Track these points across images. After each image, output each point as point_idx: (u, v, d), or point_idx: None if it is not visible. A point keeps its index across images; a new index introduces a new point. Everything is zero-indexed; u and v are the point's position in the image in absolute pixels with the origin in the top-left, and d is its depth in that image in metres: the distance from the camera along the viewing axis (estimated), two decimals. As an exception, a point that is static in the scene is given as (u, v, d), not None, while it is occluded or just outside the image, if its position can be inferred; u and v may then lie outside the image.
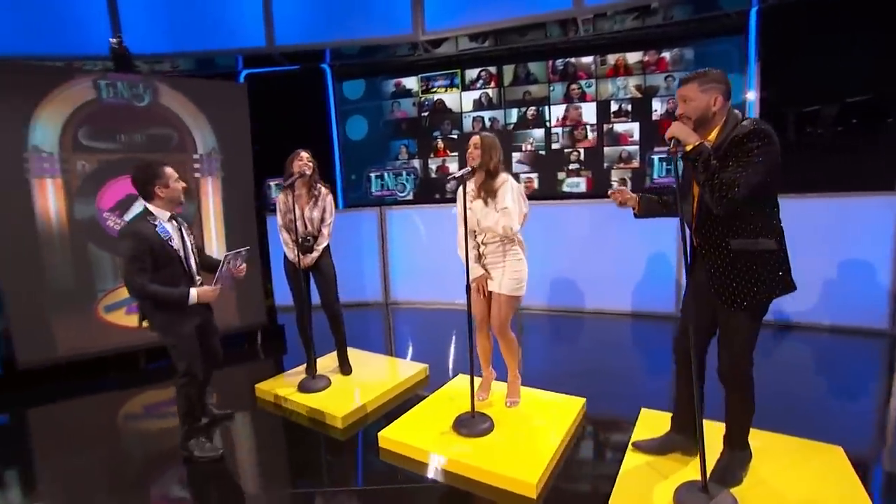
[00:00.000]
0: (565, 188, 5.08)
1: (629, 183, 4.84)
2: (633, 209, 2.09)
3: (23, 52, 4.37)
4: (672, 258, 4.43)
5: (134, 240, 2.23)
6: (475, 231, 2.61)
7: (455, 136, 5.34)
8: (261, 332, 4.23)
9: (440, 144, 5.43)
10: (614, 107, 4.81)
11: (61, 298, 3.43)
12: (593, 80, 4.84)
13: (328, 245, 3.23)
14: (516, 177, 5.16)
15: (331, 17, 4.64)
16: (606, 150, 4.88)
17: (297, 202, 3.08)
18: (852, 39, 3.88)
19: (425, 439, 2.43)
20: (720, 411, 2.01)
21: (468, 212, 2.48)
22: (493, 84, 5.17)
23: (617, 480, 2.04)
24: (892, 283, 3.77)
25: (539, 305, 4.94)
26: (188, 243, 2.44)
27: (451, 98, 5.33)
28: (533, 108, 5.06)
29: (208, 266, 2.55)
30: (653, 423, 2.43)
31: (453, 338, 4.27)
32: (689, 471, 2.04)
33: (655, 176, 4.74)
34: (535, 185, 5.16)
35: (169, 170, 2.37)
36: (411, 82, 5.41)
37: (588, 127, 4.91)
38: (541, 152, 5.11)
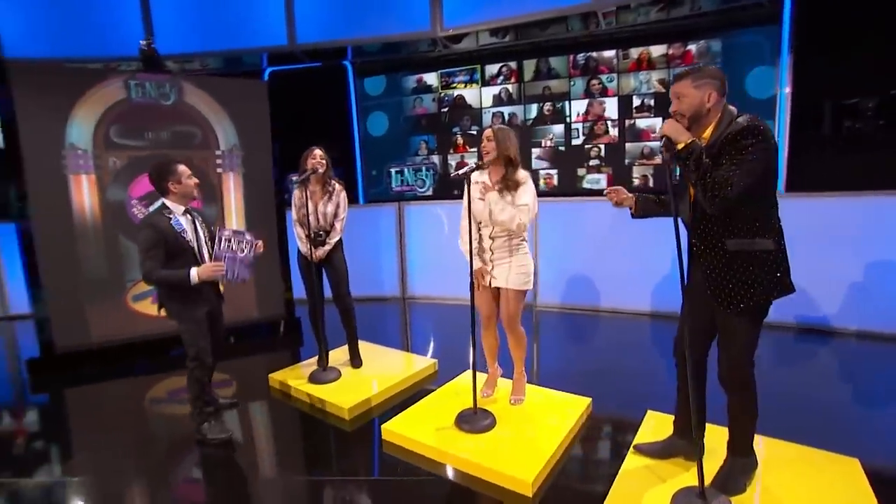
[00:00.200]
0: (585, 185, 4.99)
1: (651, 180, 4.72)
2: (630, 209, 2.04)
3: (65, 55, 4.65)
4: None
5: (149, 231, 2.38)
6: (480, 223, 2.59)
7: (474, 132, 5.33)
8: (283, 323, 4.35)
9: (459, 140, 5.43)
10: (636, 102, 4.69)
11: (94, 288, 3.64)
12: (615, 75, 4.73)
13: (341, 240, 3.30)
14: (535, 173, 5.13)
15: (350, 15, 4.70)
16: (628, 146, 4.77)
17: (310, 198, 3.16)
18: (895, 27, 3.65)
19: (427, 433, 2.46)
20: (724, 416, 1.96)
21: (479, 203, 2.49)
22: (513, 79, 5.13)
23: (614, 483, 2.02)
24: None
25: (554, 303, 4.90)
26: (201, 236, 2.57)
27: (471, 94, 5.32)
28: (552, 103, 4.98)
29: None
30: (658, 425, 2.39)
31: (468, 334, 4.28)
32: (690, 476, 2.00)
33: (678, 173, 4.59)
34: (555, 181, 5.10)
35: (182, 167, 2.50)
36: (431, 78, 5.43)
37: (609, 122, 4.81)
38: (560, 148, 5.04)
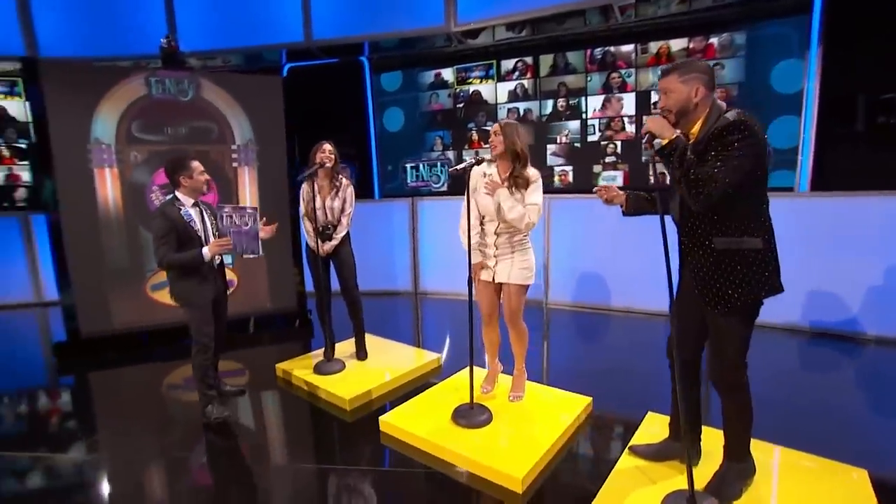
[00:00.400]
0: (601, 181, 4.90)
1: (668, 178, 4.60)
2: (621, 207, 2.01)
3: (95, 54, 4.86)
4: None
5: (162, 219, 2.54)
6: (484, 217, 2.59)
7: (489, 128, 5.29)
8: (299, 315, 4.45)
9: (474, 136, 5.42)
10: (655, 97, 4.57)
11: (116, 277, 3.81)
12: (633, 70, 4.62)
13: (348, 234, 3.34)
14: (550, 170, 5.08)
15: (366, 11, 4.74)
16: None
17: (318, 192, 3.21)
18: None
19: (423, 427, 2.48)
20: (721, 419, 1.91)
21: (487, 198, 2.49)
22: (528, 75, 5.08)
23: (605, 483, 2.00)
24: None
25: (565, 301, 4.85)
26: (209, 227, 2.71)
27: (487, 89, 5.29)
28: (569, 99, 4.91)
29: None
30: (657, 427, 2.35)
31: (475, 329, 4.29)
32: (683, 479, 1.93)
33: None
34: (570, 178, 5.03)
35: (195, 163, 2.63)
36: (447, 74, 5.43)
37: (626, 119, 4.71)
38: (576, 145, 4.96)
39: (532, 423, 2.49)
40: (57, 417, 3.01)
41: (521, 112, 5.15)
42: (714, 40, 4.34)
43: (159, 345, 3.91)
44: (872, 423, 2.59)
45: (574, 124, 4.94)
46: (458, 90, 5.41)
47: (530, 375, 2.91)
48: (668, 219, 2.16)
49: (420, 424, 2.51)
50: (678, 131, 1.62)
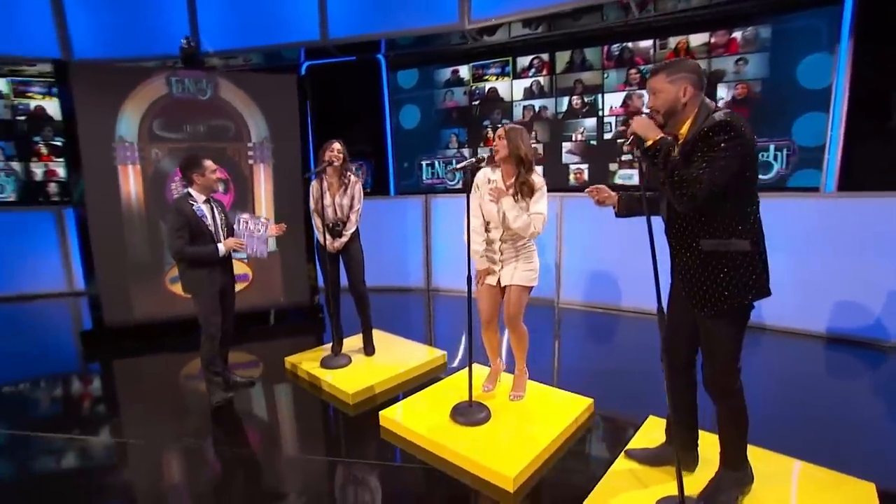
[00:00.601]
0: (617, 180, 4.82)
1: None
2: (613, 208, 1.98)
3: (124, 55, 5.06)
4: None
5: (176, 214, 2.69)
6: (489, 223, 2.58)
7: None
8: (312, 310, 4.54)
9: (490, 133, 5.39)
10: (673, 93, 4.45)
11: (138, 270, 3.97)
12: (651, 66, 4.51)
13: (357, 230, 3.39)
14: (565, 168, 5.02)
15: (380, 9, 4.78)
16: (662, 140, 4.55)
17: (328, 190, 3.27)
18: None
19: (422, 423, 2.51)
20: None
21: (491, 205, 2.49)
22: (544, 72, 5.02)
23: (597, 486, 1.98)
24: None
25: (577, 301, 4.80)
26: (219, 222, 2.84)
27: (503, 86, 5.26)
28: (586, 96, 4.84)
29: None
30: (657, 431, 2.30)
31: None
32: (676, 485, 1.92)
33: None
34: (585, 176, 4.96)
35: (208, 162, 2.76)
36: (463, 71, 5.42)
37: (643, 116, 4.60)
38: (592, 142, 4.89)
39: (530, 422, 2.49)
40: (81, 402, 3.18)
41: (537, 109, 5.10)
42: (737, 34, 4.20)
43: (176, 335, 4.06)
44: (887, 435, 2.48)
45: (590, 122, 4.87)
46: (473, 87, 5.39)
47: (535, 375, 2.90)
48: (660, 220, 2.14)
49: (419, 421, 2.54)
50: (661, 132, 1.59)
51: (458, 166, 2.39)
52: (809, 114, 3.96)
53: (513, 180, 2.47)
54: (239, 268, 4.10)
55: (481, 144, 5.45)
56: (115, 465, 2.42)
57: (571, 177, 5.02)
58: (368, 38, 4.94)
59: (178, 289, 4.03)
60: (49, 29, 5.10)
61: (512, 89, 5.21)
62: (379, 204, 5.53)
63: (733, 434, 1.76)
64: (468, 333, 2.54)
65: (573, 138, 4.97)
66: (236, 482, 2.25)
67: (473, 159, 2.45)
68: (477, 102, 5.39)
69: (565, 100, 4.95)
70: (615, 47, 4.66)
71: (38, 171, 5.84)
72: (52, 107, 5.69)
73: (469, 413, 2.51)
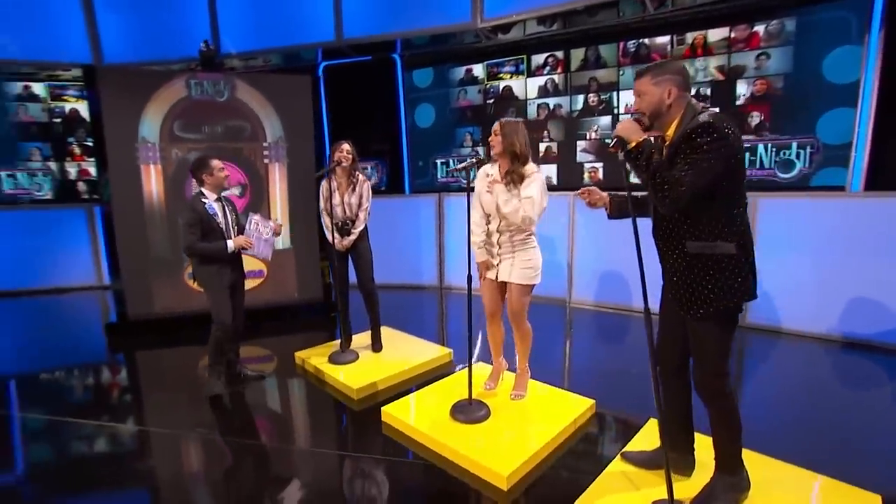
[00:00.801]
0: (633, 179, 4.72)
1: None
2: (605, 209, 1.96)
3: (148, 58, 5.26)
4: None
5: (189, 212, 2.83)
6: (489, 216, 2.60)
7: (518, 124, 5.24)
8: (325, 307, 4.64)
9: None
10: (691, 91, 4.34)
11: (158, 265, 4.13)
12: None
13: (366, 228, 3.44)
14: (580, 166, 4.97)
15: (393, 9, 4.83)
16: (679, 138, 4.45)
17: (337, 189, 3.33)
18: None
19: (422, 419, 2.55)
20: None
21: (487, 196, 2.52)
22: (559, 69, 4.98)
23: (589, 487, 1.97)
24: None
25: (588, 301, 4.75)
26: (229, 220, 2.97)
27: (517, 84, 5.24)
28: (600, 94, 4.77)
29: None
30: (657, 434, 2.27)
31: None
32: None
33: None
34: (600, 175, 4.90)
35: (215, 162, 2.89)
36: (478, 69, 5.42)
37: (660, 113, 4.51)
38: (606, 140, 4.82)
39: (529, 422, 2.49)
40: (107, 391, 3.34)
41: (551, 107, 5.06)
42: (759, 28, 4.07)
43: (193, 328, 4.20)
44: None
45: (605, 120, 4.80)
46: (488, 86, 5.39)
47: (541, 374, 2.90)
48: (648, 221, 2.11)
49: (420, 417, 2.57)
50: (645, 135, 1.58)
51: (459, 167, 2.42)
52: (835, 110, 3.82)
53: (505, 171, 2.52)
54: (255, 264, 4.22)
55: (495, 143, 5.44)
56: (136, 452, 2.54)
57: (586, 175, 4.96)
58: (381, 38, 4.99)
59: (195, 284, 4.19)
60: (81, 35, 5.35)
61: (526, 87, 5.18)
62: (393, 202, 5.59)
63: (725, 437, 1.73)
64: (468, 332, 2.55)
65: (587, 136, 4.92)
66: (239, 470, 2.33)
67: (473, 159, 2.47)
68: (491, 101, 5.39)
69: (580, 98, 4.90)
70: (631, 44, 4.58)
71: (71, 170, 6.14)
72: (85, 109, 5.96)
73: (468, 411, 2.53)
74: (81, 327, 4.73)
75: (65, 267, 5.90)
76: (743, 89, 4.13)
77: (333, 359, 3.32)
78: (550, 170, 5.13)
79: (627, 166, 1.63)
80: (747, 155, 4.16)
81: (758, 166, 4.14)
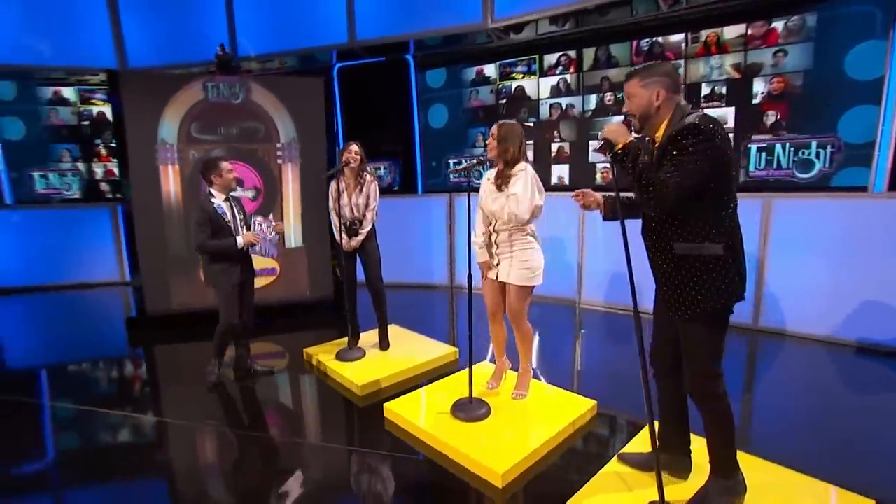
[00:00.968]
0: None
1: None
2: (600, 211, 1.96)
3: (169, 62, 5.44)
4: (755, 259, 3.89)
5: (200, 211, 2.95)
6: (488, 217, 2.64)
7: (531, 124, 5.23)
8: (335, 304, 4.70)
9: (515, 132, 5.36)
10: (706, 90, 4.27)
11: (176, 263, 4.27)
12: (682, 61, 4.35)
13: (374, 228, 3.49)
14: (592, 167, 4.92)
15: (404, 10, 4.87)
16: (694, 137, 4.37)
17: (345, 190, 3.39)
18: None
19: (423, 416, 2.57)
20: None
21: (483, 196, 2.56)
22: (571, 69, 4.94)
23: (583, 487, 1.97)
24: None
25: (598, 302, 4.70)
26: (237, 219, 3.06)
27: (529, 84, 5.23)
28: (612, 93, 4.72)
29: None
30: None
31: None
32: (666, 491, 1.88)
33: (752, 168, 4.13)
34: (612, 175, 4.84)
35: (224, 164, 3.00)
36: (490, 69, 5.42)
37: (673, 112, 4.44)
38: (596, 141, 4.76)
39: (529, 421, 2.50)
40: (128, 384, 3.47)
41: (564, 107, 5.04)
42: (777, 24, 3.96)
43: (207, 324, 4.31)
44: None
45: (619, 119, 4.75)
46: (500, 86, 5.39)
47: (546, 374, 2.90)
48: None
49: (420, 414, 2.60)
50: (632, 137, 1.58)
51: (460, 167, 2.45)
52: (858, 107, 3.71)
53: (497, 172, 2.58)
54: (267, 263, 4.33)
55: (508, 143, 5.43)
56: (155, 442, 2.64)
57: (598, 175, 4.92)
58: (394, 39, 5.04)
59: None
60: (108, 41, 5.56)
61: (538, 87, 5.16)
62: (406, 202, 5.64)
63: (718, 439, 1.71)
64: (469, 332, 2.57)
65: (600, 136, 4.86)
66: (245, 461, 2.41)
67: (474, 160, 2.50)
68: (504, 101, 5.38)
69: (593, 97, 4.86)
70: (644, 42, 4.52)
71: (98, 170, 6.39)
72: (110, 112, 6.18)
73: (469, 409, 2.55)
74: (105, 322, 4.92)
75: (91, 264, 6.14)
76: (760, 87, 4.04)
77: (341, 356, 3.38)
78: (563, 170, 5.11)
79: (614, 168, 1.63)
80: (764, 154, 4.07)
81: (775, 166, 4.03)
